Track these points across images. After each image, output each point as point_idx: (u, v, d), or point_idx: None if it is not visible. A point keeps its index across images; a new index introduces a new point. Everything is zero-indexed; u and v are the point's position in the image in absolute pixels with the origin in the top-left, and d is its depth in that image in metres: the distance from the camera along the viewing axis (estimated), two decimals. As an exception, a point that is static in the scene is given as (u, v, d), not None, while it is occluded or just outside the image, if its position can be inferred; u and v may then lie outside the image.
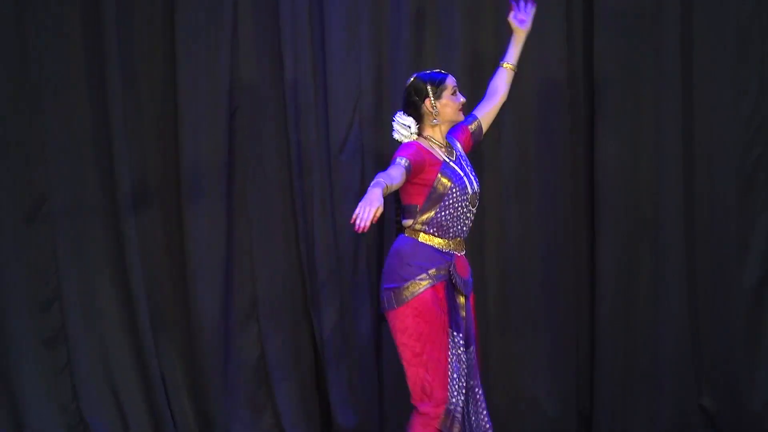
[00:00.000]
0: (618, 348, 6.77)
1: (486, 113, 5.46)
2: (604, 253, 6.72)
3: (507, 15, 5.42)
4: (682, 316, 6.74)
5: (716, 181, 6.74)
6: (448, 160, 5.09)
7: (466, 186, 5.08)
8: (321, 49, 6.67)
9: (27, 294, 6.70)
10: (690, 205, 6.77)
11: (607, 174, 6.69)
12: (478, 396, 5.13)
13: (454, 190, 5.03)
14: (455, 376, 4.98)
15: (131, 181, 6.67)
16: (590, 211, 6.80)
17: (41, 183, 6.70)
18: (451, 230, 5.06)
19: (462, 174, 5.10)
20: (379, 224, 6.60)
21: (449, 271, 5.03)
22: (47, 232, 6.72)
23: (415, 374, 4.96)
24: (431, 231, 5.03)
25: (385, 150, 6.61)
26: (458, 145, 5.28)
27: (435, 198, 5.01)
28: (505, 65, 5.47)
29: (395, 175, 4.77)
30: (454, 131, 5.29)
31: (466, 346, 5.05)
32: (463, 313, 5.05)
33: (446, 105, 5.11)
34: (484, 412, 5.14)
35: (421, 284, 4.96)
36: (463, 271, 5.13)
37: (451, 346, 5.00)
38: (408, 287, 4.95)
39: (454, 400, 4.98)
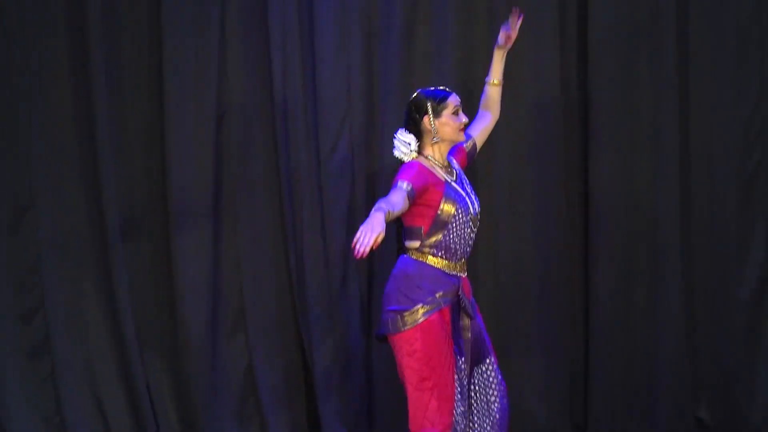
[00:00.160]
0: (613, 358, 6.73)
1: (480, 132, 5.39)
2: (599, 263, 6.69)
3: (502, 27, 5.35)
4: (679, 325, 6.70)
5: (715, 187, 6.71)
6: (449, 180, 5.02)
7: (468, 207, 5.02)
8: (310, 56, 6.63)
9: (10, 304, 6.65)
10: (687, 212, 6.73)
11: (603, 180, 6.66)
12: (494, 413, 5.09)
13: (459, 212, 4.97)
14: (459, 400, 4.95)
15: (117, 190, 6.63)
16: (585, 221, 6.76)
17: (24, 193, 6.63)
18: (458, 252, 5.01)
19: (464, 194, 5.04)
20: None
21: (458, 295, 4.98)
22: (30, 241, 6.65)
23: (418, 399, 4.88)
24: (439, 254, 4.97)
25: (376, 159, 6.64)
26: (456, 164, 5.21)
27: (441, 222, 4.95)
28: (492, 83, 5.39)
29: (397, 201, 4.69)
30: (450, 150, 5.21)
31: (478, 361, 5.03)
32: (468, 335, 4.99)
33: (446, 124, 5.03)
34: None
35: (430, 307, 4.89)
36: (468, 292, 5.09)
37: (457, 373, 4.95)
38: (417, 310, 4.89)
39: (458, 428, 4.96)
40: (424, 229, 4.95)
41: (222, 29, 6.63)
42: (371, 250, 4.35)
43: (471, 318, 5.00)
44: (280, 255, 6.76)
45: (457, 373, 4.94)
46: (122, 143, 6.68)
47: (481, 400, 5.08)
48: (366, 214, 6.15)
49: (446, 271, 4.99)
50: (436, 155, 5.06)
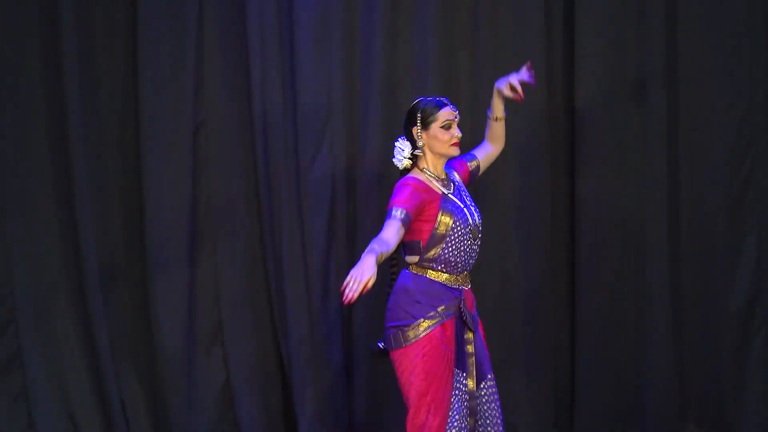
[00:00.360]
0: (599, 372, 6.70)
1: (484, 156, 5.29)
2: (585, 275, 6.67)
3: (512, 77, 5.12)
4: (667, 338, 6.66)
5: (704, 197, 6.68)
6: (446, 192, 4.97)
7: (467, 219, 4.95)
8: (290, 65, 6.58)
9: (-20, 318, 6.56)
10: (675, 222, 6.69)
11: (589, 190, 6.64)
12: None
13: (457, 224, 4.92)
14: (456, 416, 4.86)
15: (91, 200, 6.57)
16: (571, 232, 6.74)
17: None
18: (459, 265, 4.95)
19: (462, 206, 4.97)
20: (350, 246, 6.60)
21: (459, 308, 4.93)
22: (2, 252, 6.58)
23: (415, 415, 4.83)
24: (439, 267, 4.92)
25: (357, 170, 6.60)
26: (456, 176, 5.16)
27: (439, 235, 4.89)
28: (493, 118, 5.23)
29: (390, 237, 4.66)
30: (452, 163, 5.16)
31: (481, 378, 4.96)
32: (471, 349, 4.94)
33: (434, 137, 4.96)
34: None
35: (431, 322, 4.85)
36: (471, 306, 5.03)
37: (456, 388, 4.89)
38: (418, 325, 4.84)
39: None
40: (422, 243, 4.90)
41: (199, 38, 6.58)
42: (360, 294, 4.34)
43: (473, 331, 4.97)
44: (258, 268, 6.71)
45: (457, 390, 4.88)
46: (96, 152, 6.62)
47: (485, 419, 5.00)
48: (346, 227, 6.50)
49: (447, 284, 4.94)
50: (430, 167, 5.00)
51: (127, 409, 6.64)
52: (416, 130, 4.96)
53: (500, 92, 5.10)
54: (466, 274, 5.00)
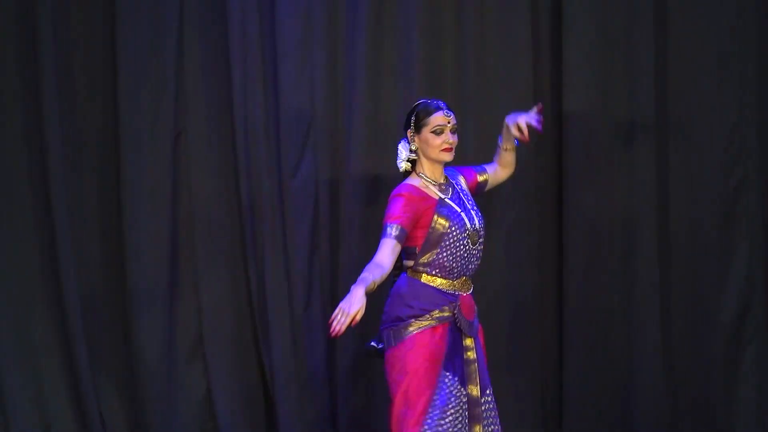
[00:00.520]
0: (587, 385, 6.67)
1: (494, 175, 5.28)
2: (572, 285, 6.65)
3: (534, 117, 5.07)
4: (656, 348, 6.63)
5: (695, 205, 6.69)
6: (443, 197, 4.96)
7: (464, 223, 4.93)
8: (272, 70, 6.55)
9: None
10: (665, 231, 6.69)
11: (576, 197, 6.62)
12: None
13: (452, 229, 4.90)
14: (436, 413, 4.80)
15: (69, 207, 6.48)
16: (558, 240, 6.71)
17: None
18: (455, 270, 4.92)
19: (459, 210, 4.95)
20: (334, 255, 6.60)
21: (453, 314, 4.91)
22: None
23: (394, 408, 4.87)
24: (434, 272, 4.91)
25: (341, 177, 6.58)
26: (462, 181, 5.14)
27: (433, 240, 4.88)
28: (504, 148, 5.21)
29: (384, 259, 4.72)
30: (462, 169, 5.19)
31: (485, 387, 4.96)
32: (472, 355, 4.93)
33: (425, 141, 4.95)
34: None
35: (420, 324, 4.86)
36: (469, 313, 4.98)
37: (441, 387, 4.84)
38: (407, 327, 4.85)
39: None
40: (417, 248, 4.90)
41: (179, 45, 6.54)
42: (348, 326, 4.41)
43: (471, 338, 4.95)
44: (240, 278, 6.66)
45: (440, 390, 4.84)
46: (74, 158, 6.55)
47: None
48: (330, 235, 6.54)
49: (443, 289, 4.91)
50: (426, 171, 4.99)
51: (105, 422, 6.56)
52: (410, 133, 4.98)
53: (509, 128, 5.08)
54: (464, 280, 4.97)
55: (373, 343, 4.99)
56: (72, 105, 6.51)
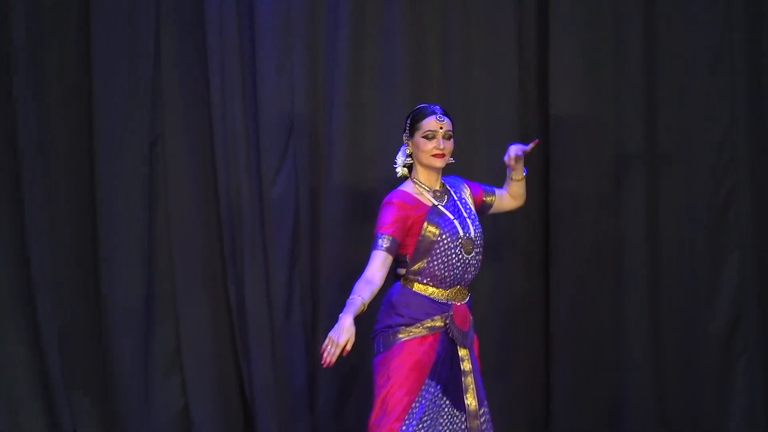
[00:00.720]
0: (575, 403, 6.63)
1: (502, 201, 5.28)
2: (560, 296, 6.61)
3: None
4: (646, 367, 6.61)
5: (684, 215, 6.67)
6: (436, 204, 4.94)
7: (457, 231, 4.89)
8: (251, 75, 6.51)
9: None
10: (654, 241, 6.66)
11: (564, 206, 6.61)
12: None
13: (443, 237, 4.87)
14: (413, 423, 4.79)
15: (40, 202, 6.43)
16: (545, 249, 6.69)
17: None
18: (448, 279, 4.89)
19: (452, 218, 4.92)
20: (315, 265, 6.59)
21: (446, 323, 4.88)
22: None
23: (372, 418, 4.86)
24: (425, 281, 4.89)
25: (322, 184, 6.54)
26: (466, 192, 5.12)
27: (424, 248, 4.86)
28: (512, 179, 5.24)
29: (374, 273, 4.74)
30: (470, 183, 5.18)
31: (482, 399, 4.97)
32: (467, 366, 4.92)
33: (417, 146, 4.94)
34: None
35: (410, 332, 4.84)
36: (462, 323, 4.94)
37: (422, 395, 4.83)
38: (396, 334, 4.84)
39: None
40: (408, 255, 4.88)
41: (156, 50, 6.52)
42: (340, 356, 4.47)
43: (466, 348, 4.93)
44: (218, 287, 6.63)
45: (421, 399, 4.82)
46: (47, 163, 6.48)
47: None
48: (311, 243, 6.55)
49: (435, 298, 4.88)
50: (421, 177, 4.98)
51: (81, 439, 6.52)
52: (405, 137, 4.99)
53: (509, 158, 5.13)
54: (459, 289, 4.93)
55: None
56: (46, 111, 6.47)
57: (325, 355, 4.45)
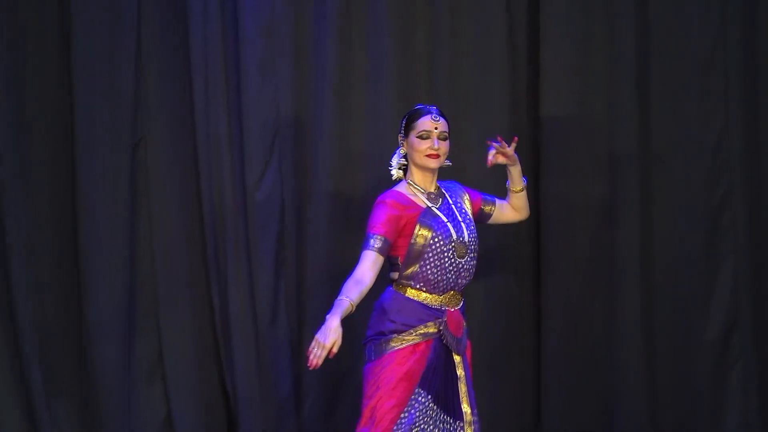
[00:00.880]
0: (567, 410, 6.60)
1: (502, 213, 5.26)
2: (551, 305, 6.57)
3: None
4: (639, 373, 6.57)
5: (678, 220, 6.63)
6: (430, 206, 4.92)
7: (450, 234, 4.87)
8: (235, 76, 6.49)
9: None
10: (648, 247, 6.62)
11: (554, 211, 6.57)
12: None
13: (436, 240, 4.84)
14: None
15: (23, 219, 6.39)
16: (536, 254, 6.65)
17: None
18: (441, 284, 4.87)
19: (446, 220, 4.90)
20: (300, 272, 6.56)
21: (439, 330, 4.85)
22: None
23: (359, 428, 4.84)
24: (418, 286, 4.87)
25: (308, 188, 6.52)
26: (464, 198, 5.10)
27: (416, 252, 4.84)
28: (513, 190, 5.24)
29: (364, 273, 4.70)
30: (469, 190, 5.17)
31: (473, 406, 4.95)
32: (461, 373, 4.90)
33: (410, 146, 4.94)
34: None
35: (403, 340, 4.82)
36: (456, 329, 4.91)
37: (412, 405, 4.81)
38: (388, 342, 4.82)
39: None
40: (400, 258, 4.87)
41: (137, 52, 6.49)
42: (326, 358, 4.45)
43: (460, 355, 4.92)
44: (201, 293, 6.59)
45: (411, 408, 4.80)
46: (27, 165, 6.45)
47: None
48: (296, 249, 6.52)
49: (428, 304, 4.87)
50: (416, 179, 4.97)
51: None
52: (400, 138, 4.99)
53: (508, 166, 5.12)
54: (452, 294, 4.90)
55: None
56: (25, 113, 6.43)
57: (311, 357, 4.41)
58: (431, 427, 4.81)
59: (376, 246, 4.73)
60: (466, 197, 5.09)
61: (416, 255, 4.81)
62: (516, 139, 5.05)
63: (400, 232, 4.80)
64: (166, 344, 6.52)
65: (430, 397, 4.80)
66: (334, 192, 6.42)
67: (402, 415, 4.77)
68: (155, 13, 6.46)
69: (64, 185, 6.48)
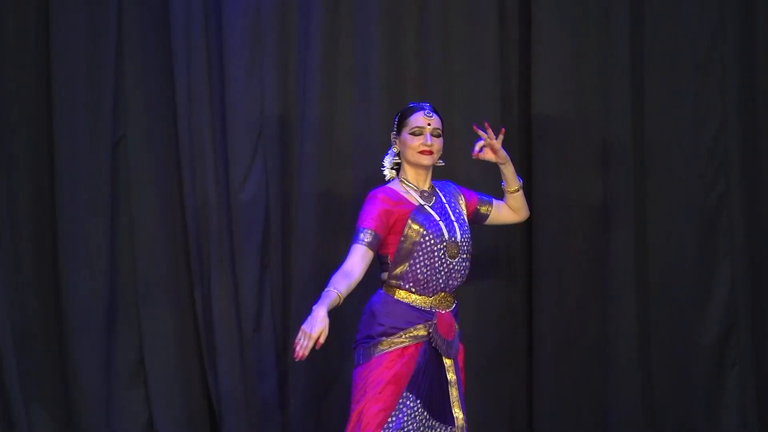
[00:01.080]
0: (558, 415, 6.56)
1: (500, 213, 5.16)
2: (542, 308, 6.54)
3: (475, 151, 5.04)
4: (634, 378, 6.54)
5: (673, 223, 6.60)
6: (423, 203, 4.86)
7: (442, 232, 4.80)
8: (219, 74, 6.45)
9: None
10: (643, 250, 6.60)
11: (547, 214, 6.52)
12: None
13: (427, 239, 4.77)
14: None
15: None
16: (528, 254, 6.61)
17: None
18: (431, 285, 4.80)
19: (438, 219, 4.83)
20: (286, 274, 6.52)
21: (429, 332, 4.79)
22: None
23: (348, 430, 4.78)
24: (407, 286, 4.80)
25: (293, 189, 6.48)
26: (458, 198, 5.02)
27: (406, 248, 4.77)
28: (509, 191, 5.12)
29: (354, 266, 4.64)
30: (464, 190, 5.09)
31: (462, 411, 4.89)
32: (452, 377, 4.83)
33: (403, 143, 4.88)
34: None
35: (392, 343, 4.75)
36: (447, 332, 4.84)
37: (400, 409, 4.75)
38: (376, 345, 4.75)
39: None
40: (390, 256, 4.81)
41: (118, 50, 6.46)
42: (313, 349, 4.38)
43: (451, 359, 4.85)
44: (184, 297, 6.56)
45: (399, 413, 4.74)
46: (4, 164, 6.43)
47: None
48: (281, 251, 6.44)
49: (418, 305, 4.80)
50: (409, 177, 4.91)
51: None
52: (393, 136, 4.94)
53: (501, 166, 5.02)
54: (443, 296, 4.83)
55: None
56: (3, 110, 6.42)
57: (297, 348, 4.34)
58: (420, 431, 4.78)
59: (365, 240, 4.68)
60: (461, 197, 5.03)
61: (406, 253, 4.75)
62: (503, 130, 4.94)
63: (391, 228, 4.74)
64: (148, 349, 6.49)
65: (419, 401, 4.74)
66: (320, 192, 6.37)
67: (389, 420, 4.70)
68: (137, 10, 6.44)
69: (44, 185, 6.45)
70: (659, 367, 6.56)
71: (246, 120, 6.41)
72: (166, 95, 6.45)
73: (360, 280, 4.62)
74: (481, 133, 4.91)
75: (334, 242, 6.19)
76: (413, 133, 4.82)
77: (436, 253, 4.76)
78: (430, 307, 4.79)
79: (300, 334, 4.36)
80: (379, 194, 4.79)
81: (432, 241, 4.76)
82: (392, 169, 4.94)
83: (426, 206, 4.83)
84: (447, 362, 4.81)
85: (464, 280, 4.88)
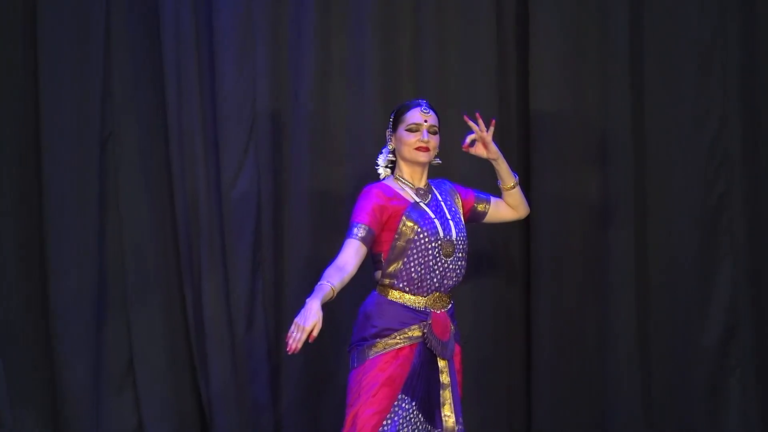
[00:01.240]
0: (557, 417, 6.52)
1: (499, 211, 5.14)
2: (540, 309, 6.50)
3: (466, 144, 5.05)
4: (634, 379, 6.50)
5: (673, 224, 6.58)
6: (418, 200, 4.85)
7: (437, 230, 4.78)
8: (209, 69, 6.40)
9: None
10: (643, 250, 6.57)
11: (545, 212, 6.48)
12: None
13: (421, 236, 4.76)
14: None
15: None
16: (526, 254, 6.58)
17: None
18: (425, 284, 4.78)
19: (433, 216, 4.81)
20: (278, 273, 6.48)
21: (424, 333, 4.77)
22: None
23: (342, 429, 4.76)
24: (400, 286, 4.78)
25: (285, 186, 6.44)
26: (454, 197, 5.00)
27: (400, 246, 4.76)
28: (504, 188, 5.10)
29: (347, 261, 4.62)
30: (460, 188, 5.08)
31: (458, 414, 4.85)
32: (446, 379, 4.81)
33: (399, 140, 4.87)
34: None
35: (386, 344, 4.75)
36: (442, 332, 4.81)
37: (395, 412, 4.74)
38: (370, 347, 4.75)
39: None
40: (383, 254, 4.80)
41: (107, 45, 6.41)
42: (306, 342, 4.35)
43: (446, 360, 4.82)
44: (174, 298, 6.52)
45: (394, 415, 4.72)
46: None
47: None
48: (273, 251, 6.38)
49: (411, 306, 4.78)
50: (405, 174, 4.90)
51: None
52: (388, 133, 4.93)
53: (494, 163, 5.00)
54: (438, 296, 4.81)
55: None
56: None
57: (290, 341, 4.31)
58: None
59: (359, 235, 4.66)
60: (458, 195, 5.01)
61: (400, 251, 4.72)
62: (494, 121, 4.90)
63: (384, 224, 4.73)
64: (137, 349, 6.46)
65: (414, 403, 4.73)
66: (313, 189, 6.35)
67: (384, 422, 4.68)
68: (125, 5, 6.41)
69: (31, 182, 6.40)
70: (659, 367, 6.54)
71: (237, 116, 6.38)
72: (155, 91, 6.42)
73: (353, 274, 4.59)
74: (471, 124, 4.87)
75: (327, 240, 6.13)
76: (410, 130, 4.81)
77: (430, 252, 4.73)
78: (425, 307, 4.77)
79: (293, 327, 4.33)
80: (374, 189, 4.77)
81: (426, 239, 4.73)
82: (386, 167, 4.92)
83: (421, 203, 4.81)
84: (441, 363, 4.78)
85: (460, 279, 4.82)
